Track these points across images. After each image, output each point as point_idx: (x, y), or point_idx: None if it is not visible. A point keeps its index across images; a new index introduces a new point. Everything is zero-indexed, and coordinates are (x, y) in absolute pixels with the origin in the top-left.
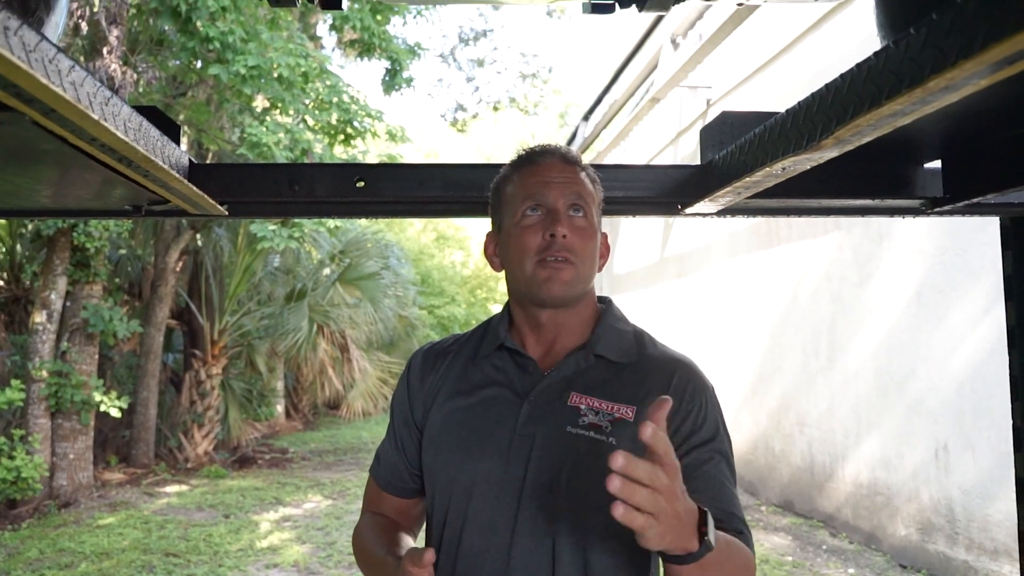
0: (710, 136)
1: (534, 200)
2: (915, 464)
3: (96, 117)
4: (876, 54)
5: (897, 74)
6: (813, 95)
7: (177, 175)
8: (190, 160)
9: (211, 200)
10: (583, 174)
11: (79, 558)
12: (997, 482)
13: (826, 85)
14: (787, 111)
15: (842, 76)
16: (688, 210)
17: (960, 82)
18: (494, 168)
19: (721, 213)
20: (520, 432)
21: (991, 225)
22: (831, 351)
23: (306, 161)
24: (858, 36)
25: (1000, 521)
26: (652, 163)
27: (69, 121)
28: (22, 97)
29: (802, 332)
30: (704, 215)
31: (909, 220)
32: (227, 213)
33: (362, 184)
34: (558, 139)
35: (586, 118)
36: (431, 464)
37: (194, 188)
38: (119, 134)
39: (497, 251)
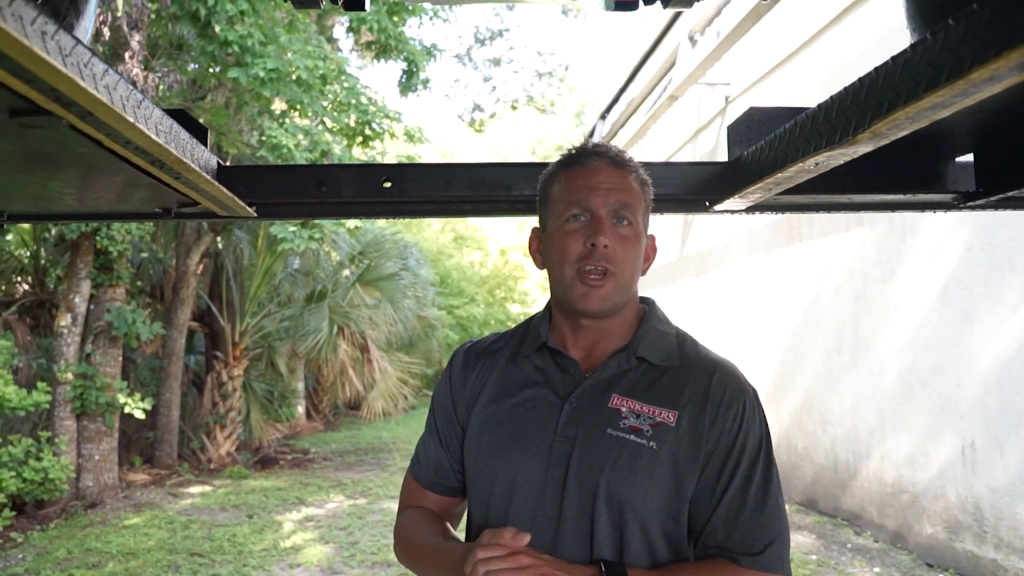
0: (737, 132)
1: (578, 206)
2: (942, 462)
3: (131, 120)
4: (912, 46)
5: (935, 66)
6: (846, 89)
7: (208, 177)
8: (218, 162)
9: (240, 202)
10: (632, 177)
11: (106, 558)
12: None
13: (859, 79)
14: (818, 106)
15: (876, 69)
16: (717, 207)
17: (1004, 73)
18: (520, 168)
19: (750, 210)
20: (561, 434)
21: (1020, 221)
22: (855, 349)
23: (325, 163)
24: (878, 31)
25: None
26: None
27: (105, 124)
28: (61, 101)
29: (824, 330)
30: (733, 212)
31: (934, 215)
32: (255, 215)
33: (389, 184)
34: (575, 138)
35: (603, 116)
36: (472, 463)
37: (224, 190)
38: (153, 136)
39: (540, 249)
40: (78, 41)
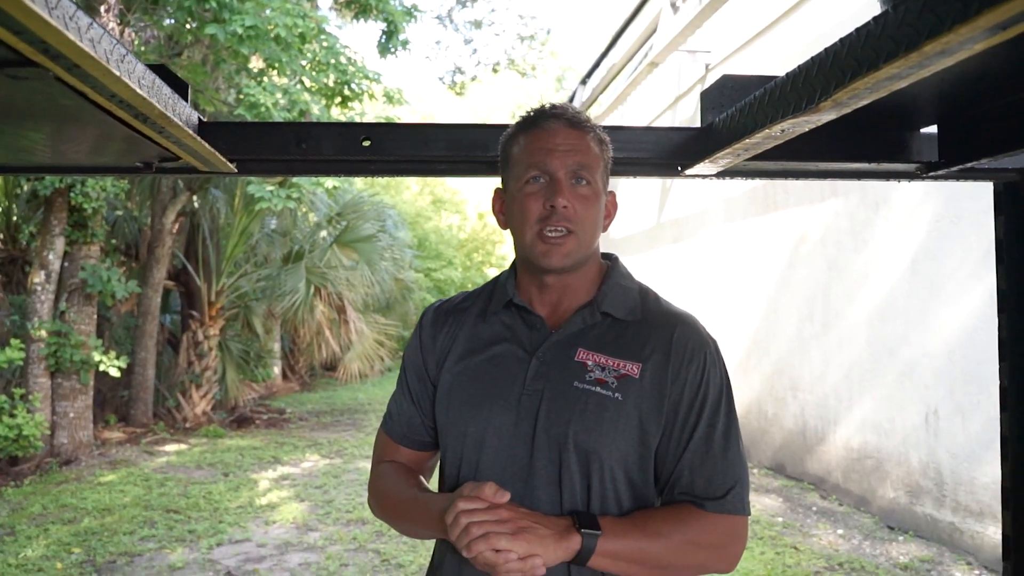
0: (710, 99)
1: (537, 168)
2: (906, 429)
3: (117, 73)
4: (875, 19)
5: (895, 39)
6: (812, 59)
7: (191, 132)
8: (199, 118)
9: (221, 157)
10: (589, 137)
11: (81, 513)
12: (985, 446)
13: (825, 49)
14: (786, 75)
15: (841, 41)
16: (688, 171)
17: (955, 47)
18: (498, 129)
19: (720, 175)
20: (529, 387)
21: (987, 193)
22: (826, 317)
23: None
24: (856, 2)
25: (986, 484)
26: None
27: (91, 77)
28: (49, 53)
29: (797, 298)
30: (704, 176)
31: (905, 186)
32: (236, 171)
33: (368, 143)
34: (556, 102)
35: (584, 82)
36: (444, 418)
37: (206, 145)
38: (137, 90)
39: (503, 209)
40: None
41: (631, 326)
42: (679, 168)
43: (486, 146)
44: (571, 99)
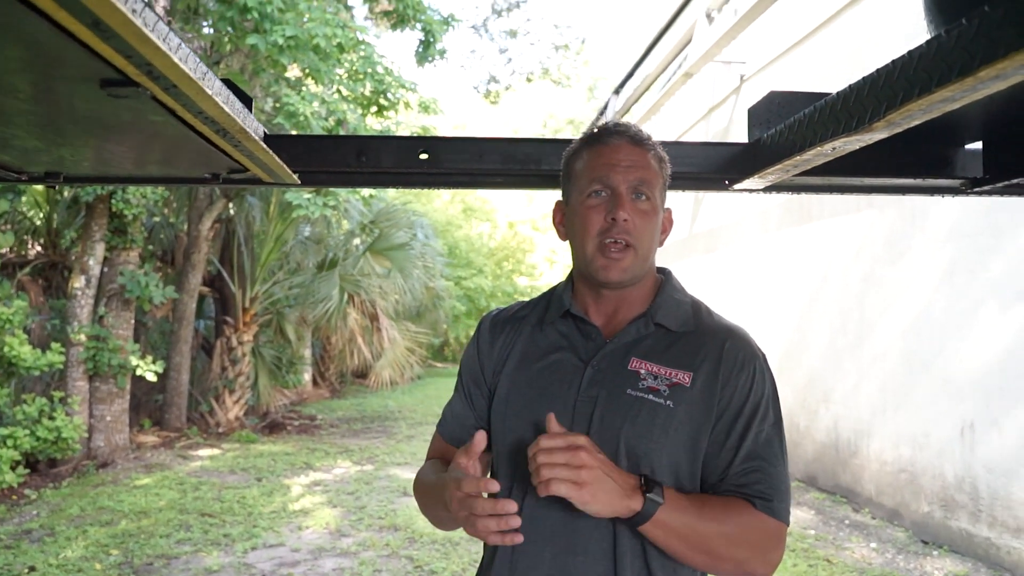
0: (758, 115)
1: (600, 182)
2: (940, 442)
3: (209, 92)
4: (928, 42)
5: (948, 62)
6: (864, 79)
7: (263, 145)
8: (264, 131)
9: (287, 169)
10: (650, 155)
11: (118, 516)
12: (1022, 461)
13: (877, 70)
14: (837, 93)
15: (893, 62)
16: (736, 186)
17: (1011, 72)
18: (552, 143)
19: (768, 190)
20: (584, 394)
21: None
22: (859, 329)
23: (340, 131)
24: (891, 17)
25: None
26: (685, 139)
27: (185, 95)
28: (152, 74)
29: (831, 310)
30: (751, 191)
31: (943, 201)
32: (299, 182)
33: (425, 156)
34: (587, 112)
35: (617, 91)
36: (500, 423)
37: (275, 158)
38: (223, 106)
39: (564, 221)
40: (159, 17)
41: (683, 337)
42: (726, 182)
43: (539, 160)
44: (604, 109)
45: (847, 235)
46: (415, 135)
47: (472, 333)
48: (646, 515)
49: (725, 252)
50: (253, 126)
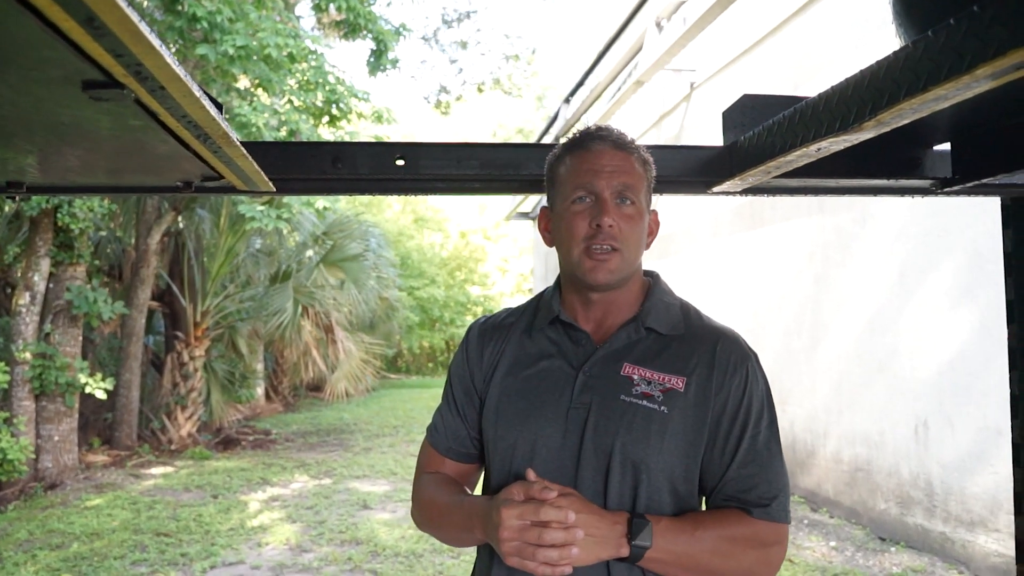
0: (732, 118)
1: (583, 189)
2: (896, 440)
3: (197, 94)
4: (914, 43)
5: (936, 62)
6: (847, 80)
7: (244, 151)
8: (238, 138)
9: (264, 176)
10: (634, 158)
11: (70, 538)
12: (975, 457)
13: (860, 71)
14: (819, 95)
15: (878, 63)
16: (715, 189)
17: (1004, 70)
18: (530, 148)
19: (746, 192)
20: (576, 401)
21: (972, 207)
22: (814, 331)
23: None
24: (839, 25)
25: (976, 494)
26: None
27: (171, 98)
28: (140, 75)
29: (784, 313)
30: (730, 194)
31: (891, 203)
32: (275, 189)
33: (402, 162)
34: (536, 122)
35: (567, 100)
36: (492, 432)
37: (254, 164)
38: (209, 110)
39: (549, 227)
40: (140, 16)
41: (674, 341)
42: (705, 186)
43: (519, 165)
44: (554, 118)
45: (799, 238)
46: (395, 141)
47: (443, 343)
48: (635, 559)
49: (677, 258)
50: (231, 131)
